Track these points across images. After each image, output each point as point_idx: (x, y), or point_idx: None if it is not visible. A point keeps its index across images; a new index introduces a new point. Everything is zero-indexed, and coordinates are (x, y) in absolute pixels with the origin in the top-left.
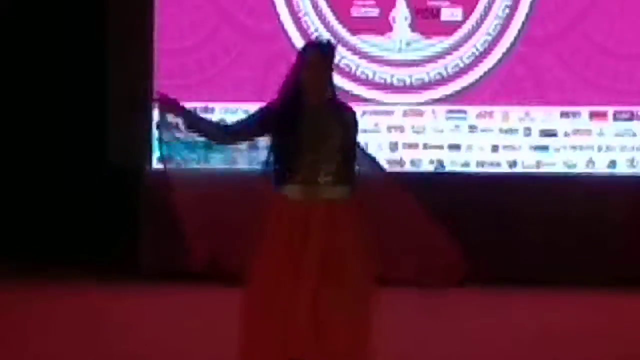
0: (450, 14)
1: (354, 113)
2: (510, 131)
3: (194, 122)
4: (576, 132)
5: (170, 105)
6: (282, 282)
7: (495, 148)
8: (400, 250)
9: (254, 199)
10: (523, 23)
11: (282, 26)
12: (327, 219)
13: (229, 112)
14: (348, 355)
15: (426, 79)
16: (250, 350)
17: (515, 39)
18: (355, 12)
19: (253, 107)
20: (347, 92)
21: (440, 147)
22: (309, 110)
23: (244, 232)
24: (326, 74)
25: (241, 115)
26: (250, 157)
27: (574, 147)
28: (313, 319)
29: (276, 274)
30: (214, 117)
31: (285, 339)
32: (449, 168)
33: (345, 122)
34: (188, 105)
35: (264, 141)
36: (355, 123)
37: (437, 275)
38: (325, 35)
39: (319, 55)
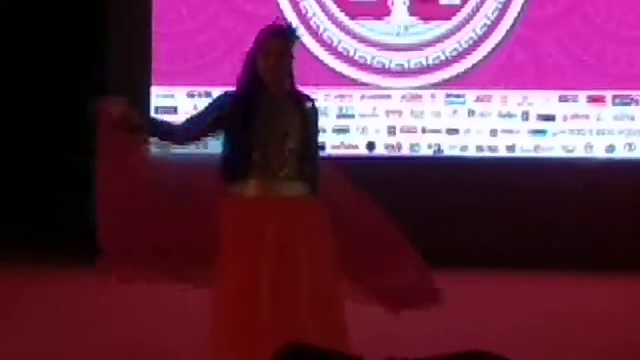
0: None
1: (313, 103)
2: (509, 115)
3: (152, 131)
4: (574, 116)
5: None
6: (245, 283)
7: (493, 132)
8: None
9: (204, 197)
10: (522, 6)
11: (281, 11)
12: (284, 215)
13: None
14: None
15: (424, 63)
16: (220, 347)
17: (514, 22)
18: None
19: None
20: (345, 76)
21: (439, 131)
22: (267, 101)
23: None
24: (286, 61)
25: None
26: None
27: (572, 131)
28: (277, 315)
29: (238, 276)
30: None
31: (253, 336)
32: (447, 152)
33: (305, 114)
34: (188, 89)
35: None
36: (315, 113)
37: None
38: (323, 20)
39: (278, 41)
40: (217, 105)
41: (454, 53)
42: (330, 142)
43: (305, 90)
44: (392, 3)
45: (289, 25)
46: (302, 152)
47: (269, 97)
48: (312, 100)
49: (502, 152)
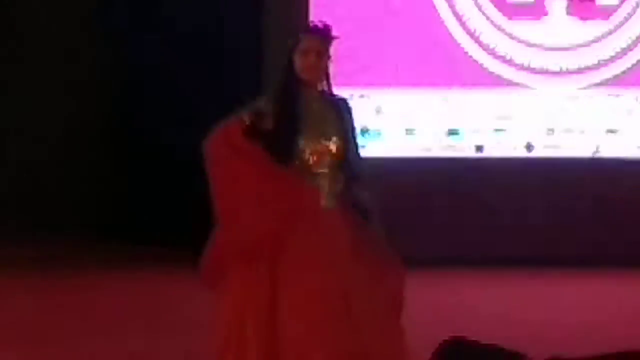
0: None
1: (347, 104)
2: None
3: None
4: None
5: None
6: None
7: None
8: None
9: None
10: None
11: (437, 12)
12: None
13: (388, 96)
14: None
15: (583, 64)
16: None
17: None
18: None
19: (411, 92)
20: (503, 77)
21: (598, 131)
22: (304, 102)
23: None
24: (324, 61)
25: (399, 99)
26: None
27: None
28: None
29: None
30: (370, 103)
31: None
32: (605, 153)
33: (342, 115)
34: (344, 91)
35: None
36: (350, 115)
37: None
38: (481, 22)
39: (317, 40)
40: (258, 108)
41: (612, 53)
42: (489, 143)
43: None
44: (550, 4)
45: (326, 25)
46: (343, 154)
47: (305, 98)
48: (346, 102)
49: None
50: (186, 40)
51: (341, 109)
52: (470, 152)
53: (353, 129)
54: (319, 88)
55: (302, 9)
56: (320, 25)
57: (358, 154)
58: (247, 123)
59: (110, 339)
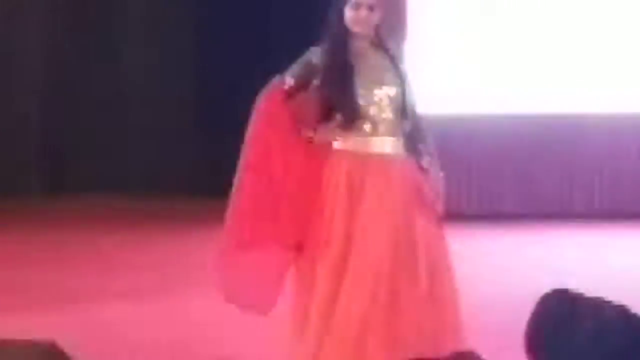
0: None
1: (398, 51)
2: None
3: None
4: None
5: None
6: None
7: None
8: None
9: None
10: None
11: None
12: (381, 175)
13: None
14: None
15: None
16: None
17: None
18: None
19: None
20: None
21: None
22: (358, 54)
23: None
24: (375, 15)
25: None
26: None
27: None
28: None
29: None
30: None
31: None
32: None
33: (397, 65)
34: None
35: None
36: (402, 62)
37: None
38: None
39: None
40: (308, 62)
41: None
42: None
43: None
44: None
45: None
46: (397, 105)
47: (357, 49)
48: (397, 51)
49: None
50: None
51: (394, 57)
52: None
53: (407, 76)
54: (369, 39)
55: None
56: None
57: (415, 102)
58: (290, 85)
59: None
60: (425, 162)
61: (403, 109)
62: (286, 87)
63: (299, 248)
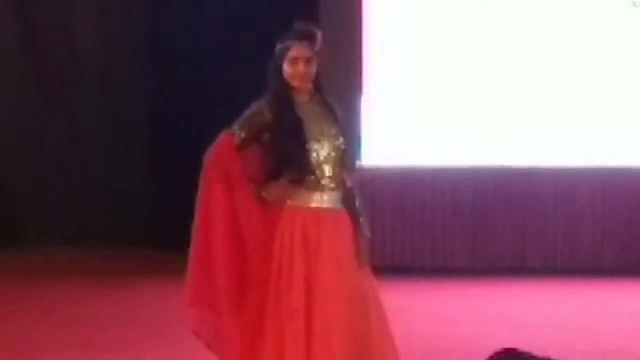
0: None
1: (332, 102)
2: None
3: None
4: None
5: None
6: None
7: None
8: None
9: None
10: None
11: None
12: (334, 229)
13: None
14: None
15: None
16: None
17: None
18: None
19: None
20: None
21: None
22: (300, 108)
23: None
24: (311, 68)
25: None
26: None
27: None
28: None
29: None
30: None
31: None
32: None
33: (337, 115)
34: None
35: None
36: (338, 112)
37: None
38: None
39: (304, 48)
40: (255, 114)
41: None
42: None
43: None
44: None
45: (312, 31)
46: (341, 157)
47: (298, 102)
48: (332, 102)
49: None
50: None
51: (333, 107)
52: None
53: (346, 129)
54: (309, 92)
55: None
56: (306, 31)
57: (352, 152)
58: (241, 137)
59: None
60: (362, 218)
61: (347, 162)
62: (236, 140)
63: (241, 307)
